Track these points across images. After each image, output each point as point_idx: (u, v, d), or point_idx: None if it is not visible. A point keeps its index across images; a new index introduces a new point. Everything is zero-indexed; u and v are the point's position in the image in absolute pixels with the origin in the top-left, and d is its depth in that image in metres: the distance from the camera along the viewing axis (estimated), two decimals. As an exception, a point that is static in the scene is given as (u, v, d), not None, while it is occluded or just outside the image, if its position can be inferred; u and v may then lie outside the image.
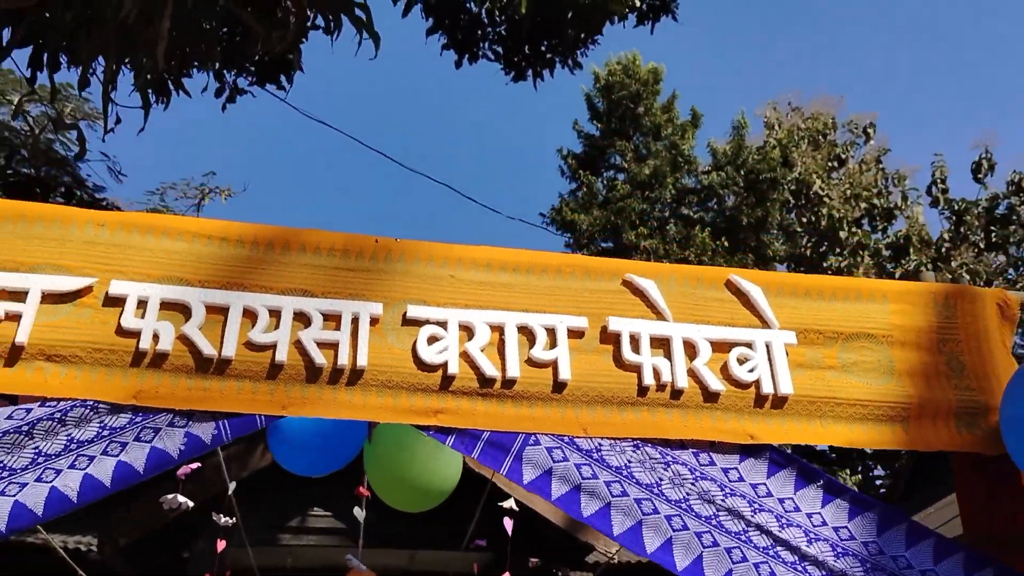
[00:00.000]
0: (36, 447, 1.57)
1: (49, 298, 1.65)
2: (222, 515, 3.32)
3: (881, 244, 19.34)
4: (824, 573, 1.59)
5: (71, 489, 1.54)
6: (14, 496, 1.52)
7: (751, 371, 1.72)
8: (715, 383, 1.71)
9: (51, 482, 1.55)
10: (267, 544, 6.42)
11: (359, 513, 3.39)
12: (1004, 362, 1.77)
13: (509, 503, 2.63)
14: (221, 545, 3.22)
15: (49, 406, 1.60)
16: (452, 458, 2.52)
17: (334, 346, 1.64)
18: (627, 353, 1.71)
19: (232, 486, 3.24)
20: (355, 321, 1.67)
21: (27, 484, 1.54)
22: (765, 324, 1.77)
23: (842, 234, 19.38)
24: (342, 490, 6.61)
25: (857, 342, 1.78)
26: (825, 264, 19.30)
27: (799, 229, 20.43)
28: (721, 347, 1.75)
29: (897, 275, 18.29)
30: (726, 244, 20.22)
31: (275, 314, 1.67)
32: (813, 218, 20.04)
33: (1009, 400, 1.62)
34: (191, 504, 2.83)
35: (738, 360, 1.73)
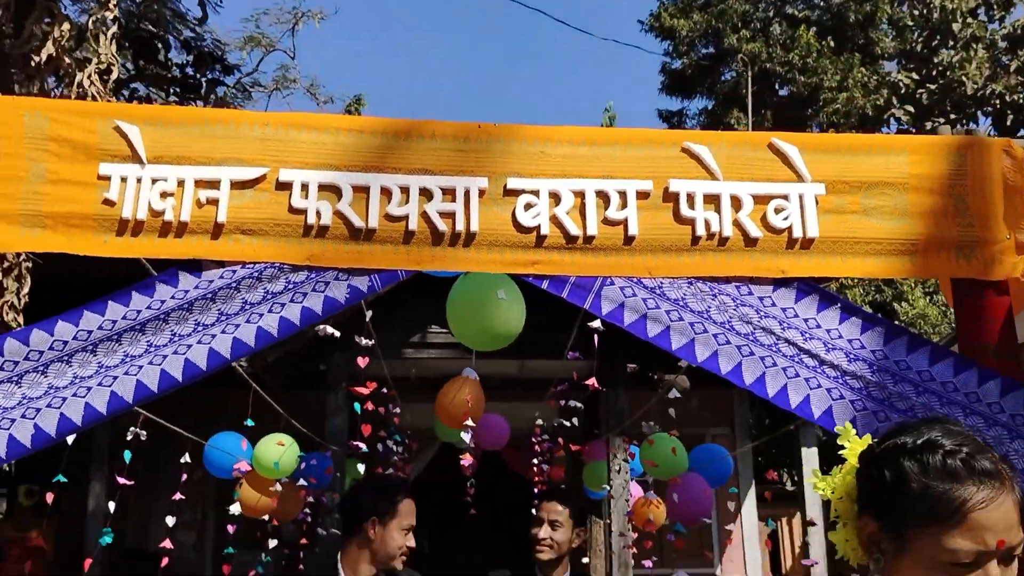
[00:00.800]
0: (243, 298, 2.14)
1: (236, 185, 2.18)
2: (362, 337, 3.98)
3: (997, 35, 18.26)
4: (837, 374, 2.06)
5: (272, 327, 2.13)
6: (232, 334, 2.12)
7: (785, 219, 2.14)
8: (755, 230, 2.13)
9: (256, 323, 2.13)
10: (394, 358, 7.27)
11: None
12: (1002, 202, 2.12)
13: (595, 323, 3.11)
14: (363, 361, 3.90)
15: (247, 268, 2.16)
16: (516, 311, 3.06)
17: (452, 215, 2.13)
18: (684, 209, 2.14)
19: (369, 313, 3.85)
20: (467, 194, 2.14)
21: (239, 325, 2.13)
22: (800, 178, 2.16)
23: (955, 26, 18.34)
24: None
25: (877, 189, 2.15)
26: (936, 60, 18.46)
27: (909, 23, 19.41)
28: (761, 200, 2.15)
29: (1013, 68, 17.39)
30: (832, 44, 19.43)
31: (405, 191, 2.16)
32: (924, 11, 18.95)
33: None
34: (336, 332, 3.47)
35: (775, 210, 2.15)
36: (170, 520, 4.30)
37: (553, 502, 3.29)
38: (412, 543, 2.66)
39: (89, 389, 2.05)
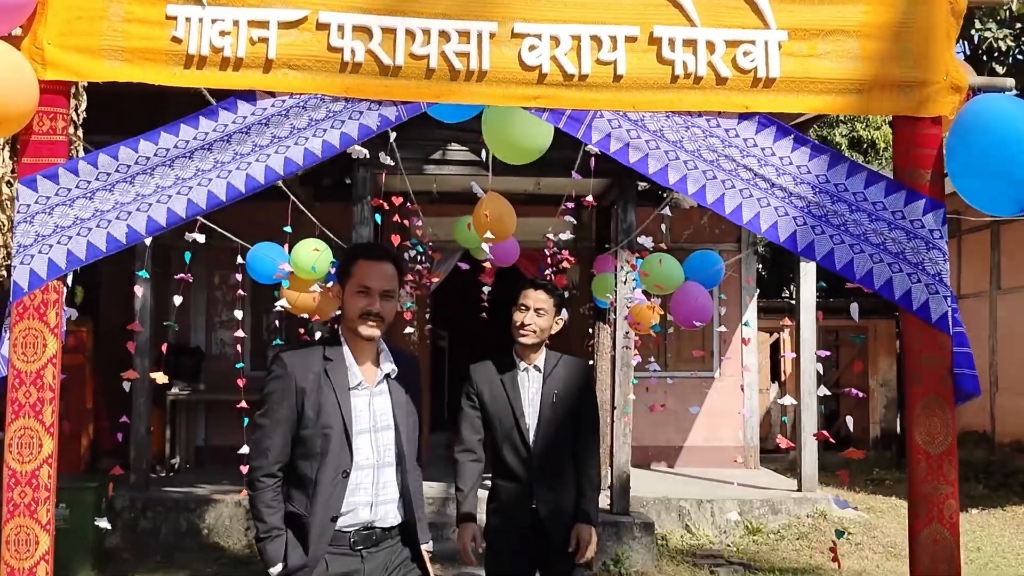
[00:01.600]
0: (291, 124, 2.56)
1: (282, 25, 2.55)
2: (386, 155, 4.40)
3: None
4: (785, 194, 2.49)
5: (316, 149, 2.56)
6: (284, 154, 2.55)
7: (751, 61, 2.49)
8: (725, 71, 2.50)
9: (303, 145, 2.56)
10: (416, 173, 7.71)
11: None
12: (942, 48, 2.47)
13: (591, 147, 3.51)
14: (382, 177, 4.35)
15: (295, 98, 2.57)
16: (544, 129, 3.46)
17: (466, 55, 2.51)
18: (666, 52, 2.50)
19: (393, 135, 4.25)
20: (479, 36, 2.51)
21: (289, 147, 2.55)
22: (766, 26, 2.50)
23: None
24: (474, 129, 7.66)
25: (833, 36, 2.49)
26: None
27: None
28: (732, 44, 2.50)
29: None
30: None
31: (426, 33, 2.53)
32: None
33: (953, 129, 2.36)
34: (366, 153, 3.90)
35: (743, 53, 2.50)
36: (239, 314, 4.90)
37: (539, 291, 3.56)
38: (374, 306, 2.66)
39: (170, 196, 2.51)
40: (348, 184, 7.83)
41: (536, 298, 3.54)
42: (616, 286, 7.42)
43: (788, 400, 3.74)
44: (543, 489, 3.50)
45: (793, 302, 15.42)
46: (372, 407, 2.71)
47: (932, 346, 2.46)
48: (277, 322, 5.52)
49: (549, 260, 7.79)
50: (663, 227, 5.55)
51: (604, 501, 7.92)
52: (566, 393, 3.57)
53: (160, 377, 4.35)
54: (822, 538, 7.96)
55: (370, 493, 2.66)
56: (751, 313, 10.20)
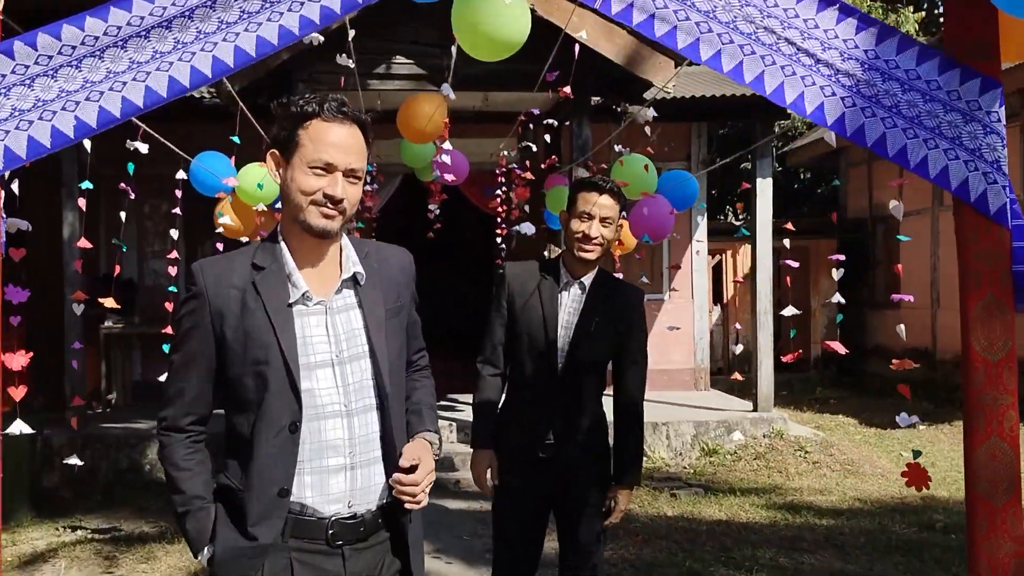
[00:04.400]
0: (219, 18, 2.10)
1: None
2: (344, 55, 3.95)
3: None
4: (831, 72, 2.17)
5: (249, 47, 2.06)
6: (211, 52, 2.06)
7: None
8: (764, -73, 2.15)
9: (233, 42, 2.09)
10: (357, 89, 7.20)
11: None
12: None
13: (581, 34, 3.14)
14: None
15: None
16: (521, 18, 3.06)
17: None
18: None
19: (352, 32, 3.80)
20: None
21: (217, 44, 2.04)
22: None
23: None
24: (422, 40, 7.19)
25: None
26: None
27: None
28: None
29: None
30: None
31: None
32: None
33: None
34: (321, 38, 3.44)
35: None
36: (174, 233, 4.44)
37: (605, 196, 2.97)
38: (335, 189, 1.88)
39: (124, 84, 2.05)
40: (286, 102, 7.27)
41: (602, 205, 2.96)
42: (573, 205, 7.09)
43: (790, 311, 3.49)
44: (564, 425, 3.02)
45: (737, 223, 15.41)
46: (333, 329, 1.95)
47: (990, 242, 2.20)
48: (220, 246, 5.08)
49: (502, 179, 7.42)
50: (617, 147, 5.23)
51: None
52: (611, 322, 3.04)
53: (110, 302, 3.91)
54: (779, 457, 7.94)
55: (343, 452, 1.93)
56: (701, 233, 10.03)
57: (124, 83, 2.02)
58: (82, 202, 3.51)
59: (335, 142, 1.89)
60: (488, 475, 3.09)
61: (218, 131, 7.47)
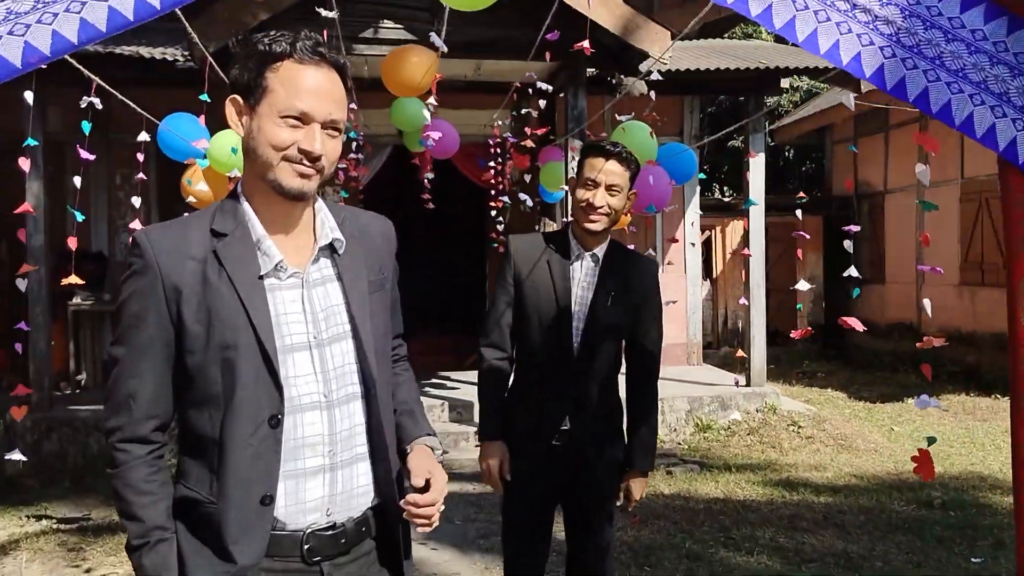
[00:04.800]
0: None
1: None
2: (324, 9, 3.75)
3: None
4: (869, 19, 2.01)
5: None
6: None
7: None
8: None
9: None
10: (343, 53, 6.96)
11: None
12: None
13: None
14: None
15: None
16: None
17: None
18: None
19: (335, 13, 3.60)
20: None
21: None
22: None
23: None
24: (411, 3, 6.96)
25: None
26: None
27: None
28: None
29: None
30: None
31: None
32: None
33: None
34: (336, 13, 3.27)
35: None
36: (136, 201, 4.22)
37: (612, 161, 2.71)
38: (312, 143, 1.59)
39: (83, 4, 1.79)
40: (249, 39, 7.03)
41: (608, 171, 2.70)
42: (568, 176, 6.94)
43: (803, 285, 3.37)
44: (579, 408, 2.78)
45: (725, 199, 15.32)
46: (309, 304, 1.67)
47: (1038, 206, 2.07)
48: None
49: (497, 150, 7.25)
50: (615, 114, 5.07)
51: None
52: (626, 295, 2.81)
53: (73, 279, 3.71)
54: (772, 433, 7.87)
55: (322, 452, 1.65)
56: (695, 207, 9.90)
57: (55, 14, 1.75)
58: (25, 163, 3.20)
59: (312, 88, 1.58)
60: (499, 469, 2.84)
61: (193, 97, 7.25)
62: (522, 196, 6.16)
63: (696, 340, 10.01)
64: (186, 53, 7.45)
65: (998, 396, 9.69)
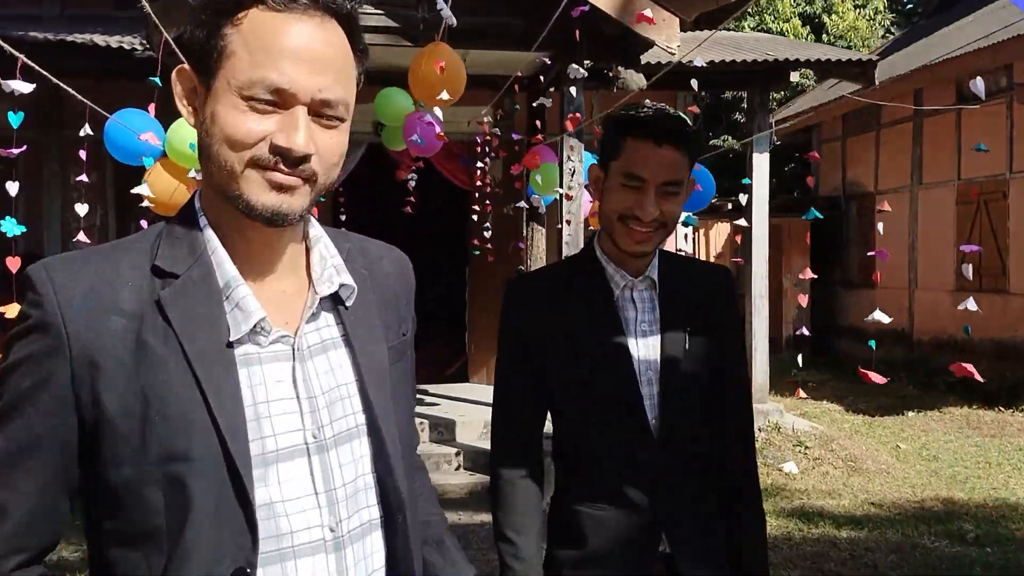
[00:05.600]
0: None
1: None
2: None
3: None
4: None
5: None
6: None
7: None
8: None
9: None
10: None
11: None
12: None
13: None
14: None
15: None
16: None
17: None
18: None
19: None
20: None
21: None
22: None
23: None
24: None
25: None
26: None
27: None
28: None
29: None
30: None
31: None
32: None
33: None
34: None
35: None
36: (80, 208, 3.56)
37: (666, 148, 1.70)
38: (293, 137, 1.03)
39: None
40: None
41: (662, 162, 1.71)
42: (563, 178, 6.36)
43: (802, 299, 2.81)
44: (679, 518, 1.80)
45: (718, 203, 14.83)
46: (305, 387, 1.12)
47: None
48: (144, 223, 4.26)
49: (485, 149, 6.64)
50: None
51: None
52: (705, 326, 1.86)
53: (10, 311, 3.05)
54: (779, 454, 7.36)
55: None
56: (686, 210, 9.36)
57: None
58: None
59: (292, 48, 1.02)
60: None
61: (154, 90, 6.60)
62: (537, 197, 5.56)
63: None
64: (144, 42, 6.77)
65: (1002, 408, 9.27)
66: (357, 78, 1.11)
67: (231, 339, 1.06)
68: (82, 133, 3.63)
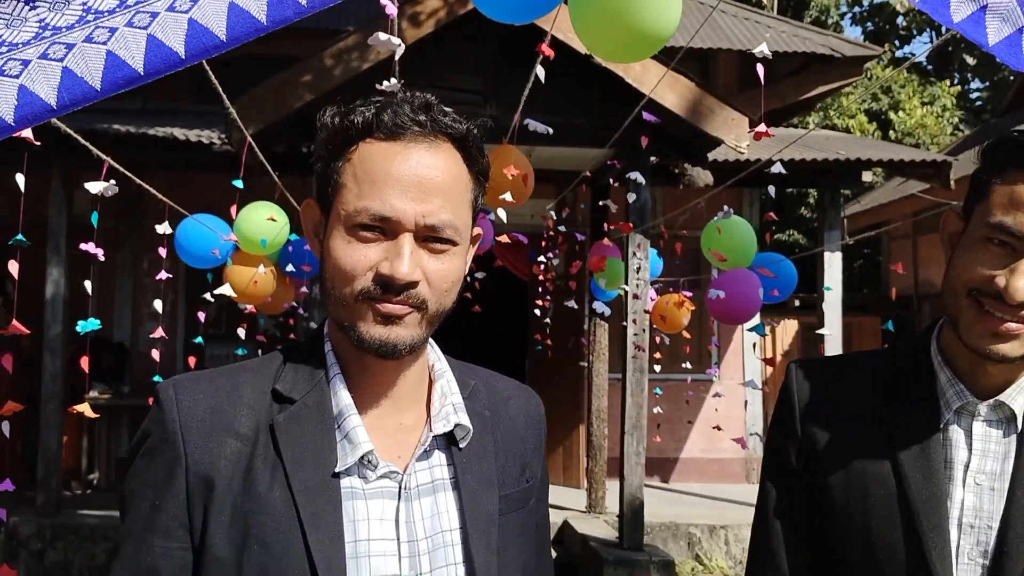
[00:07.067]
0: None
1: None
2: (389, 81, 3.15)
3: None
4: None
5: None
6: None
7: None
8: None
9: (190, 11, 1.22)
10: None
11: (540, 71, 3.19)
12: None
13: (760, 49, 2.39)
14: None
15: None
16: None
17: None
18: None
19: (400, 49, 3.02)
20: None
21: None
22: None
23: None
24: (465, 87, 6.45)
25: None
26: None
27: None
28: None
29: None
30: None
31: None
32: None
33: None
34: (398, 85, 2.66)
35: None
36: (158, 305, 3.54)
37: None
38: (397, 268, 1.00)
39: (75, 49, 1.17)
40: (306, 152, 6.52)
41: None
42: (628, 276, 6.24)
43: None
44: None
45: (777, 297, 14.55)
46: (407, 529, 1.06)
47: None
48: (202, 315, 4.27)
49: (549, 244, 6.58)
50: (725, 209, 4.39)
51: (611, 531, 6.77)
52: None
53: (88, 411, 3.01)
54: None
55: None
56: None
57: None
58: (13, 267, 2.58)
59: (397, 176, 1.01)
60: None
61: (217, 181, 6.74)
62: (603, 300, 5.42)
63: (756, 455, 9.13)
64: (223, 136, 6.96)
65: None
66: (474, 200, 1.09)
67: (337, 469, 1.03)
68: (161, 230, 3.66)
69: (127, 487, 1.05)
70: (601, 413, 7.60)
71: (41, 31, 1.13)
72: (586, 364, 7.90)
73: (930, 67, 21.12)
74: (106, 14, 1.15)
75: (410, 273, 1.00)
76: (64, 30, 1.13)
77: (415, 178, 1.01)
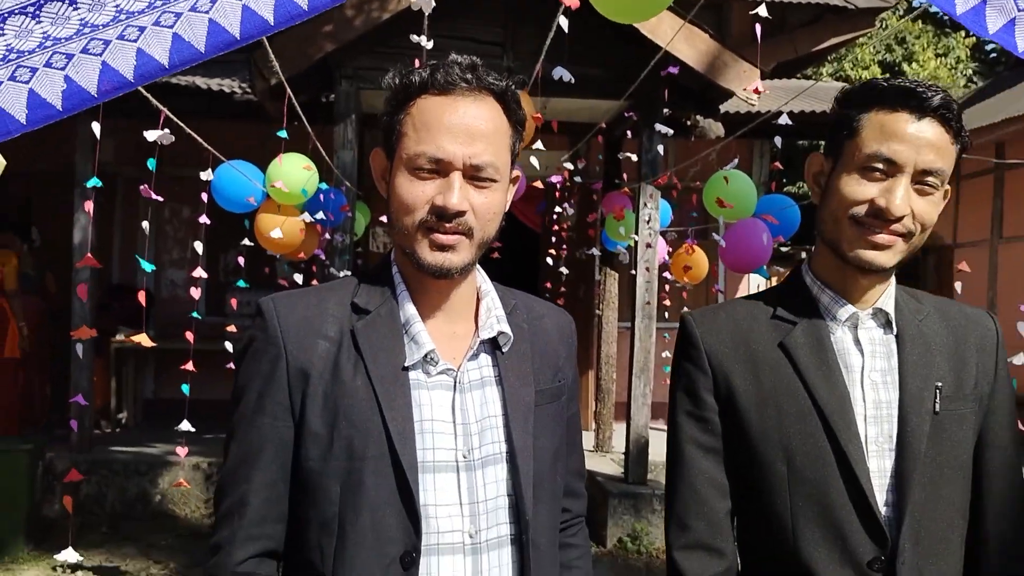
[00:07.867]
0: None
1: None
2: (420, 35, 3.31)
3: None
4: None
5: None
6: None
7: None
8: None
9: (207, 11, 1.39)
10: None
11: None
12: None
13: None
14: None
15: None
16: None
17: None
18: None
19: (430, 5, 3.17)
20: None
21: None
22: None
23: None
24: (482, 38, 6.55)
25: None
26: None
27: None
28: None
29: None
30: None
31: None
32: None
33: None
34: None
35: None
36: (199, 246, 3.74)
37: (930, 121, 1.35)
38: (449, 199, 1.23)
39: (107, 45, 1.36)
40: (326, 102, 6.67)
41: (922, 141, 1.34)
42: (639, 226, 6.42)
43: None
44: None
45: (785, 250, 14.69)
46: (461, 412, 1.30)
47: None
48: (241, 260, 4.48)
49: (565, 194, 6.75)
50: (734, 162, 4.55)
51: (617, 468, 7.05)
52: (961, 387, 1.45)
53: (145, 340, 3.23)
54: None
55: None
56: (761, 259, 9.30)
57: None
58: (89, 205, 2.83)
59: (447, 124, 1.25)
60: None
61: (250, 130, 6.87)
62: (621, 245, 5.61)
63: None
64: (244, 84, 7.09)
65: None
66: (512, 145, 1.32)
67: (406, 364, 1.28)
68: (204, 176, 3.85)
69: (238, 382, 1.31)
70: (610, 359, 7.83)
71: (81, 28, 1.34)
72: (599, 312, 8.11)
73: (945, 18, 20.93)
74: (136, 14, 1.35)
75: (459, 204, 1.24)
76: (100, 27, 1.34)
77: (463, 126, 1.25)
